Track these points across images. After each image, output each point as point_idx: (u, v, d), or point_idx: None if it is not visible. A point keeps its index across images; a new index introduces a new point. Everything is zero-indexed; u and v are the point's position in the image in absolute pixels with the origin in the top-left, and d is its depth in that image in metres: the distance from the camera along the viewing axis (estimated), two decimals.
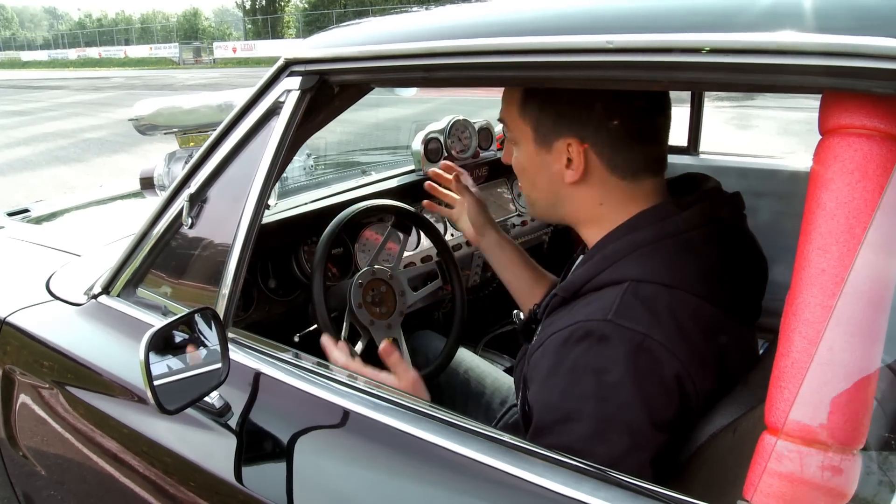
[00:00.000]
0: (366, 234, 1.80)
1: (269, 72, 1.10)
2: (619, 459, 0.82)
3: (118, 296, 1.32)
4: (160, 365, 0.92)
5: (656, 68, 0.73)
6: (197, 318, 0.98)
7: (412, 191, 1.81)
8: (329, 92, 1.10)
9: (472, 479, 0.81)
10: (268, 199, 1.09)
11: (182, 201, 1.20)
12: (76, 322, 1.34)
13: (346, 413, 0.93)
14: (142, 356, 0.86)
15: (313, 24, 38.93)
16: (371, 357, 1.42)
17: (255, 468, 0.98)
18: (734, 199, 1.01)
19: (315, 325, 1.46)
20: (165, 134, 2.46)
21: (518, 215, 2.25)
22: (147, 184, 2.48)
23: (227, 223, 1.13)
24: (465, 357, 1.67)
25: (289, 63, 1.07)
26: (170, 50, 43.79)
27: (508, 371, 1.74)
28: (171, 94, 2.32)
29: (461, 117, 1.98)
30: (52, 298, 1.46)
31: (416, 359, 1.69)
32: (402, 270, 1.55)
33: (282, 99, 1.08)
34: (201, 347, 0.98)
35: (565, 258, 2.47)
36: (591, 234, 1.02)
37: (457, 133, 1.98)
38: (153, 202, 2.34)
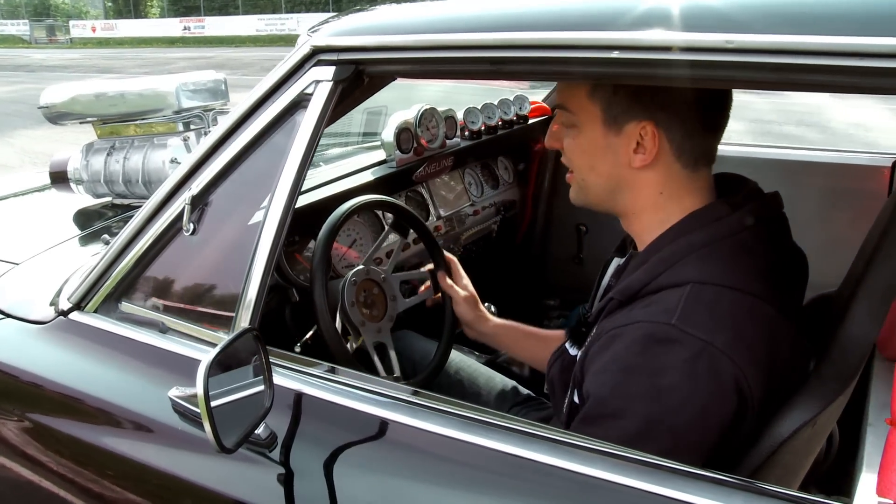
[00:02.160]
0: None
1: (289, 60, 0.99)
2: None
3: (96, 311, 1.16)
4: None
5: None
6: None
7: (390, 183, 1.72)
8: (359, 83, 1.01)
9: (529, 479, 0.79)
10: (297, 199, 0.98)
11: (181, 204, 1.06)
12: (44, 343, 1.17)
13: (410, 428, 0.87)
14: (201, 390, 0.75)
15: (179, 3, 36.83)
16: (364, 359, 1.34)
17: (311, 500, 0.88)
18: (776, 199, 1.02)
19: (312, 331, 1.37)
20: (81, 123, 2.23)
21: (471, 205, 2.21)
22: (59, 178, 2.23)
23: (244, 230, 1.01)
24: (454, 356, 1.60)
25: (317, 51, 0.97)
26: (19, 27, 39.87)
27: (487, 364, 1.70)
28: (86, 79, 2.10)
29: (428, 106, 1.91)
30: (2, 316, 1.27)
31: (401, 361, 1.62)
32: (394, 275, 1.48)
33: (309, 91, 0.98)
34: (241, 372, 0.88)
35: (512, 246, 2.48)
36: (642, 226, 1.00)
37: (425, 122, 1.91)
38: (74, 199, 2.11)
